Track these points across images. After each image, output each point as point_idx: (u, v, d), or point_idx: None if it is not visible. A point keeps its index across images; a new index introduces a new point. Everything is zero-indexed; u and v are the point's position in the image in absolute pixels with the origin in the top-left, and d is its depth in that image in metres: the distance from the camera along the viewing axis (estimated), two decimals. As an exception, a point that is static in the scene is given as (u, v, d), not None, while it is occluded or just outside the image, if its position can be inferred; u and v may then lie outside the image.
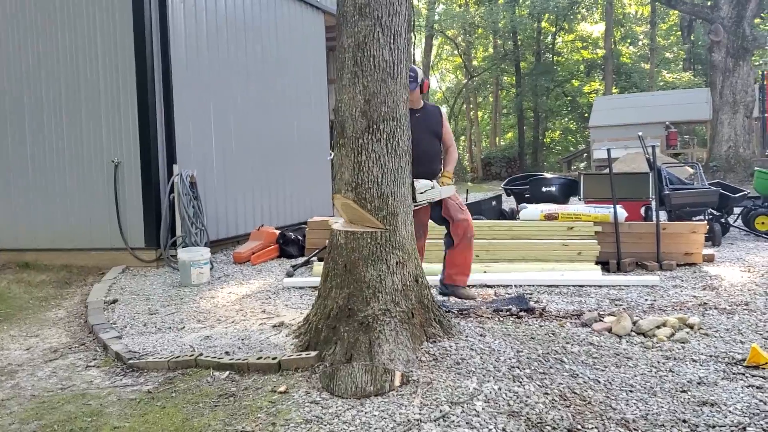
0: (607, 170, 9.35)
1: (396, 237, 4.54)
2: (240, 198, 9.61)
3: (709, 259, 7.77)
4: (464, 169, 42.60)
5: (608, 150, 8.81)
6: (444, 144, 6.12)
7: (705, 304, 5.87)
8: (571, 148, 42.64)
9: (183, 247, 7.90)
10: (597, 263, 7.46)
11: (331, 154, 12.88)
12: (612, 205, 7.57)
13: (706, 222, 8.11)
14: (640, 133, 9.45)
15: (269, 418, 3.85)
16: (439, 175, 6.08)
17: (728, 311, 5.60)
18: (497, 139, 46.31)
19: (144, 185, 8.31)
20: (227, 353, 4.98)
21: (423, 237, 6.01)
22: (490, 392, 3.95)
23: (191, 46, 8.88)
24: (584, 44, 43.19)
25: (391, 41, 4.53)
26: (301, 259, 8.57)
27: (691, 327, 5.10)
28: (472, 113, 48.32)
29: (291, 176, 10.90)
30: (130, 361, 5.05)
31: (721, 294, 6.25)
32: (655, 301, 6.06)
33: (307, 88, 11.71)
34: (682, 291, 6.42)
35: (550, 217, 7.75)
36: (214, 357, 4.84)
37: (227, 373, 4.60)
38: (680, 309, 5.73)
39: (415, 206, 5.47)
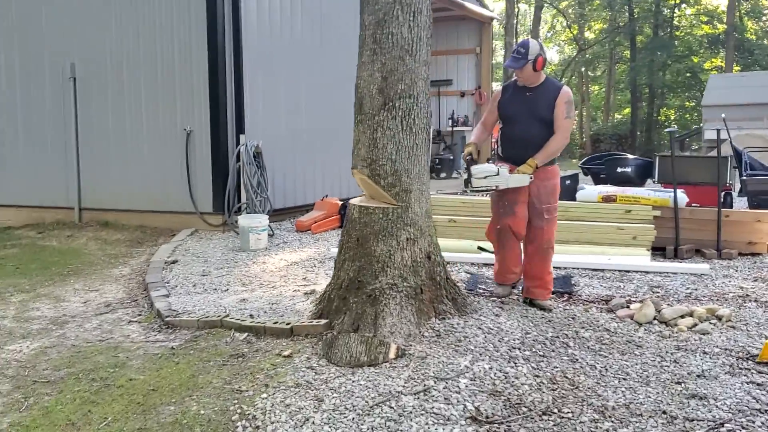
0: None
1: (408, 214, 4.61)
2: (308, 169, 9.86)
3: (777, 249, 7.40)
4: (574, 144, 41.60)
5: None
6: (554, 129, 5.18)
7: (747, 296, 5.64)
8: (692, 127, 40.76)
9: (245, 214, 8.23)
10: (654, 249, 7.25)
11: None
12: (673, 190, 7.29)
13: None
14: (723, 115, 9.02)
15: (265, 379, 4.04)
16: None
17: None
18: (613, 114, 44.83)
19: (213, 153, 8.69)
20: (251, 316, 5.22)
21: (513, 216, 5.25)
22: (480, 371, 4.00)
23: (263, 23, 9.15)
24: (707, 18, 40.99)
25: (411, 19, 4.57)
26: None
27: (719, 318, 4.94)
28: (584, 87, 46.95)
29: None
30: (167, 319, 5.37)
31: (772, 287, 5.98)
32: (696, 290, 5.87)
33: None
34: (729, 281, 6.18)
35: (607, 200, 7.57)
36: (238, 319, 5.08)
37: (246, 334, 4.84)
38: (718, 299, 5.53)
39: (473, 190, 5.23)
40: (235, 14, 8.63)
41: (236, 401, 3.79)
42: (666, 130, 7.96)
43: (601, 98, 48.42)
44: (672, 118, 44.52)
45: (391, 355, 4.17)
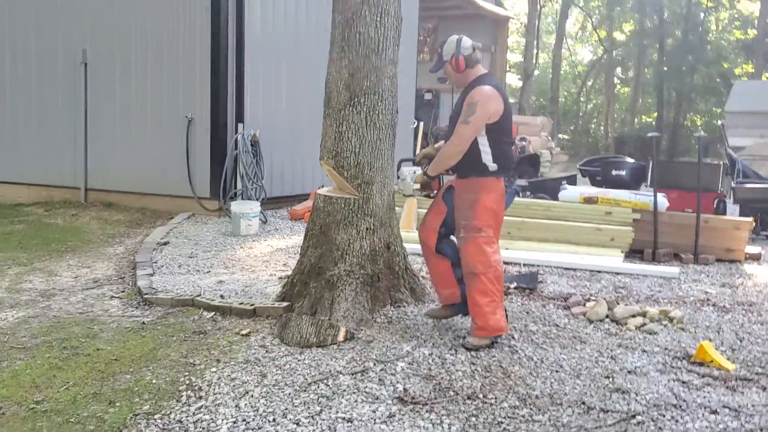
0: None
1: (369, 205, 4.83)
2: (307, 160, 10.07)
3: (755, 257, 7.50)
4: (599, 146, 41.36)
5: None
6: None
7: (708, 300, 5.78)
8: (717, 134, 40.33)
9: (238, 201, 8.50)
10: (632, 251, 7.39)
11: (414, 123, 13.17)
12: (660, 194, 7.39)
13: (752, 219, 7.78)
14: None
15: (219, 355, 4.30)
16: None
17: (725, 310, 5.51)
18: (640, 118, 44.44)
19: (212, 141, 8.96)
20: (222, 297, 5.48)
21: (423, 225, 4.77)
22: (419, 356, 4.21)
23: (266, 13, 9.40)
24: (740, 23, 40.50)
25: (378, 19, 4.77)
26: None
27: (671, 320, 5.09)
28: (610, 90, 46.62)
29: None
30: (145, 296, 5.63)
31: (737, 293, 6.10)
32: (659, 292, 6.01)
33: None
34: (696, 286, 6.31)
35: (589, 201, 7.71)
36: (209, 299, 5.34)
37: (213, 313, 5.10)
38: (677, 302, 5.68)
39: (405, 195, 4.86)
40: (239, 4, 8.88)
41: (187, 373, 4.04)
42: (649, 134, 8.04)
43: (625, 100, 48.06)
44: (699, 123, 44.12)
45: (340, 337, 4.39)
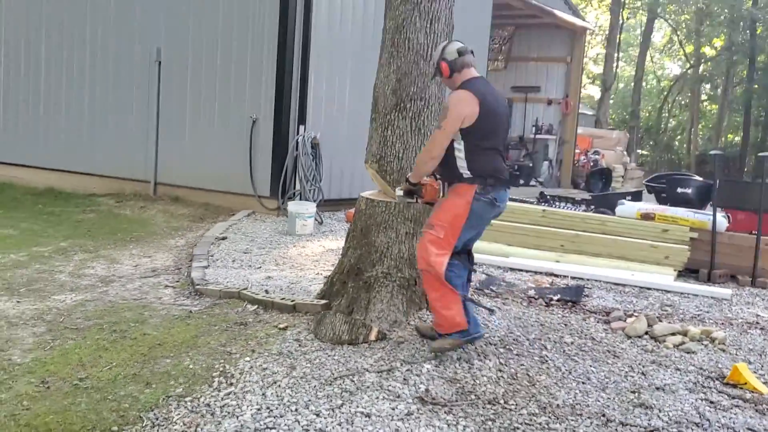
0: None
1: (410, 209, 4.91)
2: (368, 163, 10.26)
3: (818, 283, 7.23)
4: (681, 164, 40.25)
5: (714, 155, 8.25)
6: None
7: (757, 323, 5.65)
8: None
9: (295, 201, 8.71)
10: (688, 270, 7.25)
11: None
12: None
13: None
14: (712, 152, 8.77)
15: (255, 346, 4.46)
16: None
17: (773, 334, 5.37)
18: (728, 136, 43.03)
19: (274, 141, 9.22)
20: (267, 292, 5.65)
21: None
22: (447, 359, 4.27)
23: (333, 16, 9.62)
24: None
25: (428, 25, 4.86)
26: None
27: (713, 340, 5.00)
28: (696, 106, 45.29)
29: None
30: (197, 287, 5.87)
31: (790, 318, 5.93)
32: (707, 312, 5.90)
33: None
34: (748, 308, 6.16)
35: (646, 217, 7.60)
36: (254, 293, 5.52)
37: (256, 307, 5.27)
38: (723, 323, 5.56)
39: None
40: (306, 9, 9.11)
41: (223, 361, 4.22)
42: (711, 152, 7.82)
43: (710, 118, 46.62)
44: (787, 144, 42.39)
45: (372, 337, 4.49)
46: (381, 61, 5.04)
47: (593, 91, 40.21)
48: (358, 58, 9.97)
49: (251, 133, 9.37)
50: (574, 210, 9.81)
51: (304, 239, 8.12)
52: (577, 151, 19.04)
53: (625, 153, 23.15)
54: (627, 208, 7.86)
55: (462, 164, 4.26)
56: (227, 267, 6.70)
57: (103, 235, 8.18)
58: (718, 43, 41.15)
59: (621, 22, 32.56)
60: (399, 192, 4.52)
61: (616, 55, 32.73)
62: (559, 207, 10.24)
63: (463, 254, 4.49)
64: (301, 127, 9.11)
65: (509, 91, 18.70)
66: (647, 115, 44.03)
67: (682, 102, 44.91)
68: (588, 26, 19.43)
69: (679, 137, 44.77)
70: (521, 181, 17.06)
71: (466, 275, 4.54)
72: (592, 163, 18.78)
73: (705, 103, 45.87)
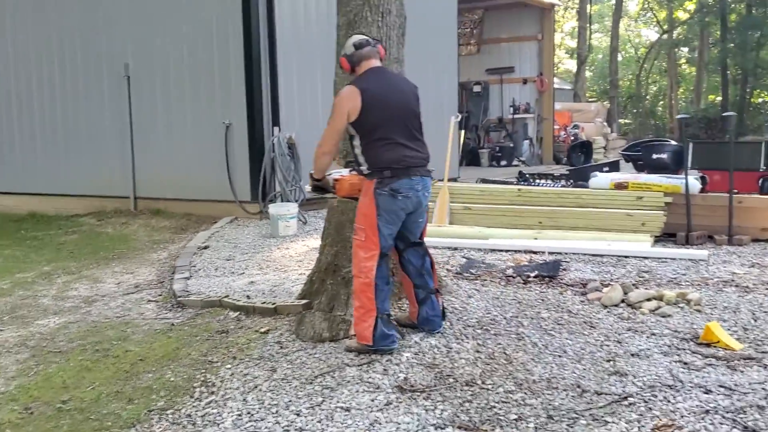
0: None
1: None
2: (346, 159, 10.30)
3: (794, 235, 7.32)
4: (665, 129, 40.32)
5: (680, 119, 8.32)
6: None
7: (732, 281, 5.73)
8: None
9: (276, 203, 8.75)
10: (666, 235, 7.33)
11: (458, 116, 13.21)
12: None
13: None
14: (723, 114, 8.86)
15: (236, 353, 4.51)
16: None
17: (748, 290, 5.45)
18: (709, 98, 43.05)
19: (250, 145, 9.25)
20: (248, 297, 5.69)
21: None
22: (426, 346, 4.34)
23: (298, 16, 9.64)
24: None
25: (379, 19, 4.89)
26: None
27: (689, 302, 5.06)
28: (673, 71, 45.33)
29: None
30: (179, 299, 5.91)
31: (765, 273, 6.01)
32: (684, 275, 5.98)
33: (431, 50, 11.92)
34: (724, 267, 6.24)
35: (620, 186, 7.67)
36: (235, 299, 5.57)
37: (237, 313, 5.31)
38: (700, 284, 5.63)
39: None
40: (269, 8, 9.14)
41: (204, 370, 4.26)
42: (678, 116, 7.89)
43: (690, 82, 46.65)
44: (767, 100, 42.47)
45: (352, 332, 4.53)
46: (338, 58, 5.06)
47: (571, 65, 40.29)
48: (327, 54, 9.96)
49: (226, 138, 9.40)
50: (554, 186, 9.87)
51: (288, 240, 8.15)
52: (556, 127, 19.13)
53: (605, 124, 23.25)
54: (600, 179, 7.92)
55: (361, 159, 4.32)
56: (210, 276, 6.73)
57: (85, 255, 8.21)
58: (691, 6, 41.20)
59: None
60: (307, 187, 4.46)
61: (588, 27, 32.72)
62: (539, 184, 10.31)
63: (412, 247, 4.56)
64: (275, 129, 9.14)
65: (484, 74, 18.77)
66: (628, 83, 44.09)
67: (662, 67, 44.95)
68: (555, 2, 19.47)
69: (662, 103, 44.83)
70: (503, 162, 17.14)
71: (421, 264, 4.56)
72: (572, 138, 18.87)
73: (684, 67, 45.96)
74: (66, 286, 6.79)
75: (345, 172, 4.55)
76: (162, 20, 9.94)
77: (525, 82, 18.54)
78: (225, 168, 9.43)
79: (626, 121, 41.44)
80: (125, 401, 3.92)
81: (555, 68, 21.79)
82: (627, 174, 8.25)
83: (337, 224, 5.08)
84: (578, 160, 17.41)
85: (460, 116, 13.30)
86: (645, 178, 7.74)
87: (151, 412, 3.75)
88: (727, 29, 37.49)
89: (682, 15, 42.02)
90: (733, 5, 37.88)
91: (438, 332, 4.53)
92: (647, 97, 45.03)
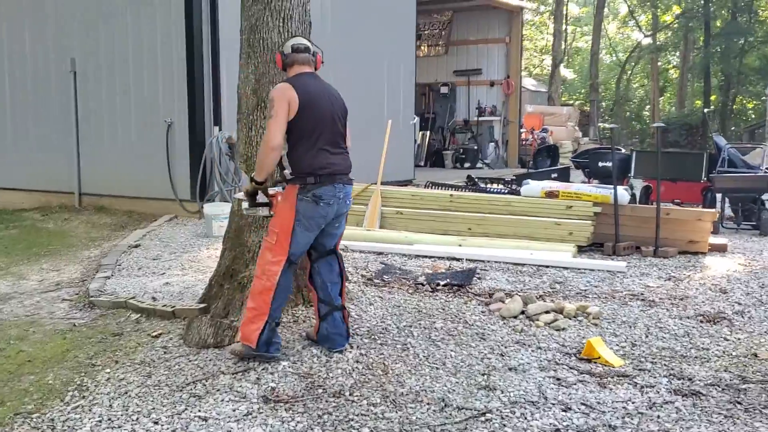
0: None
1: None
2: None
3: (720, 248, 7.37)
4: (647, 134, 40.45)
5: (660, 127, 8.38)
6: None
7: (641, 294, 5.75)
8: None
9: (212, 203, 8.72)
10: (595, 245, 7.36)
11: (414, 118, 13.21)
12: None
13: (716, 210, 7.65)
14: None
15: (121, 356, 4.49)
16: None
17: (652, 304, 5.47)
18: (694, 103, 43.16)
19: (191, 144, 9.25)
20: (153, 299, 5.67)
21: None
22: (307, 355, 4.34)
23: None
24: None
25: (281, 24, 4.88)
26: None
27: (587, 316, 5.08)
28: (656, 75, 45.45)
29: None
30: (91, 298, 5.88)
31: (678, 287, 6.04)
32: (596, 287, 6.00)
33: (381, 51, 11.84)
34: (639, 280, 6.26)
35: (551, 195, 7.68)
36: (139, 301, 5.54)
37: (138, 315, 5.29)
38: (606, 297, 5.65)
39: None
40: (213, 7, 9.10)
41: (84, 374, 4.24)
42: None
43: (673, 87, 46.77)
44: (750, 107, 42.67)
45: (238, 338, 4.52)
46: (240, 62, 5.06)
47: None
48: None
49: (167, 137, 9.38)
50: (505, 191, 9.87)
51: (220, 241, 8.08)
52: (523, 130, 19.16)
53: (576, 128, 23.30)
54: (532, 187, 7.92)
55: (286, 164, 4.29)
56: (131, 276, 6.70)
57: (19, 250, 8.15)
58: (678, 11, 41.30)
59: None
60: (245, 204, 4.39)
61: (564, 30, 32.77)
62: (490, 189, 10.29)
63: (325, 257, 4.51)
64: (215, 128, 9.11)
65: (451, 75, 18.78)
66: (614, 88, 44.21)
67: (646, 72, 45.08)
68: (524, 5, 19.50)
69: (648, 107, 44.96)
70: (467, 164, 17.14)
71: (330, 278, 4.49)
72: (539, 141, 18.89)
73: (670, 72, 46.09)
74: (-12, 283, 6.74)
75: (279, 188, 4.40)
76: (108, 17, 9.88)
77: (492, 84, 18.57)
78: (166, 166, 9.40)
79: (608, 126, 41.59)
80: (-4, 404, 3.89)
81: (539, 70, 21.84)
82: (557, 183, 8.27)
83: (236, 228, 5.06)
84: (544, 164, 17.44)
85: (416, 118, 13.32)
86: (576, 187, 7.76)
87: (17, 416, 3.72)
88: (710, 35, 37.62)
89: (668, 19, 42.17)
90: (716, 12, 38.00)
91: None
92: (634, 101, 45.18)
